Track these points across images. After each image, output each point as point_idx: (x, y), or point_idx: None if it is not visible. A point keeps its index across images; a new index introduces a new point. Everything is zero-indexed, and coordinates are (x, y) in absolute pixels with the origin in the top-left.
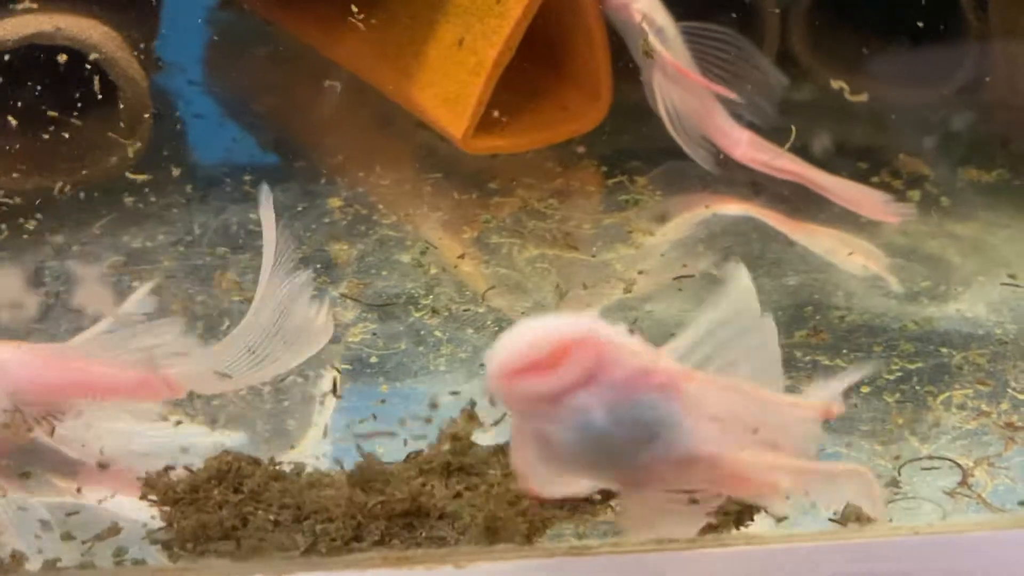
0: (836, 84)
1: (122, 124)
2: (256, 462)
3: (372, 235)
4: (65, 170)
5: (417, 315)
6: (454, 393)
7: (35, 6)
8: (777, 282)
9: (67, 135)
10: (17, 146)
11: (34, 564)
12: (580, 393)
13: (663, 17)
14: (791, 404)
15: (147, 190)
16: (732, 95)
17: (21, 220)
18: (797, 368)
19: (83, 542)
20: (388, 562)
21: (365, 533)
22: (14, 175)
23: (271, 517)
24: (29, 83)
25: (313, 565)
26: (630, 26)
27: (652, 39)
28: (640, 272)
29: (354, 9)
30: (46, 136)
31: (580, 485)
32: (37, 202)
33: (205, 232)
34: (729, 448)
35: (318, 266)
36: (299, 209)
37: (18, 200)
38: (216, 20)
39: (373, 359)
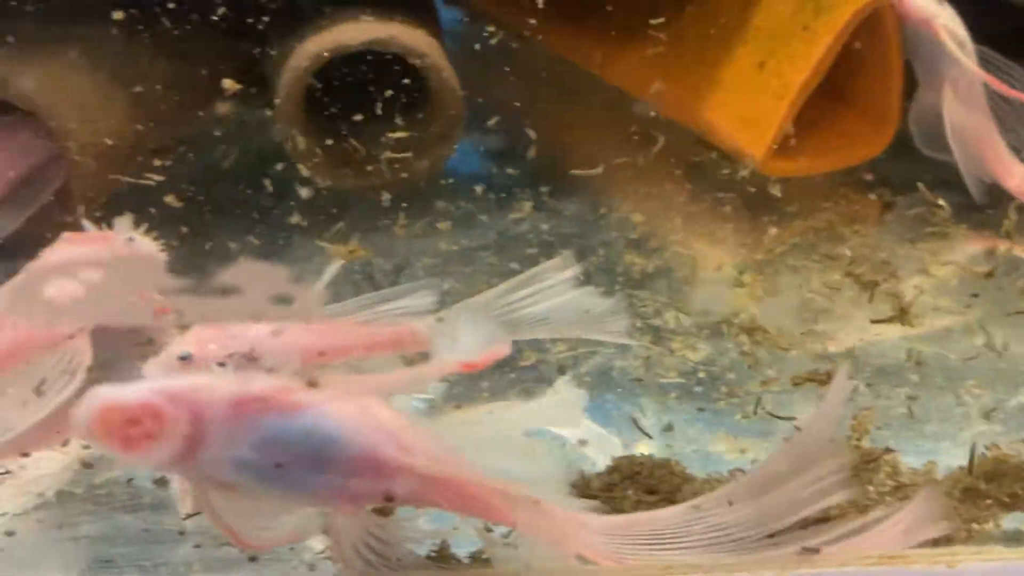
0: None
1: (435, 129)
2: (665, 465)
3: (663, 252)
4: (377, 173)
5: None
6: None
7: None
8: None
9: (381, 139)
10: (338, 148)
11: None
12: (202, 446)
13: (963, 33)
14: (423, 374)
15: (452, 194)
16: None
17: (330, 218)
18: None
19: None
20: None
21: None
22: (334, 175)
23: None
24: (348, 87)
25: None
26: (928, 42)
27: (958, 53)
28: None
29: (628, 27)
30: (360, 139)
31: (284, 525)
32: (350, 202)
33: (503, 238)
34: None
35: (619, 276)
36: (588, 219)
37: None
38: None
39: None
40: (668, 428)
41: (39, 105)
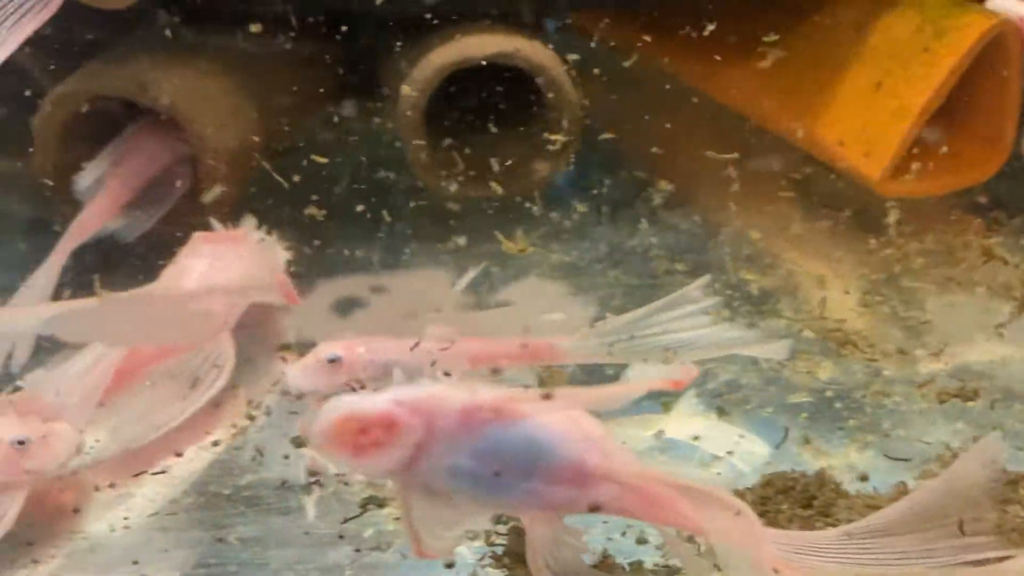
0: None
1: (552, 142)
2: (820, 479)
3: (778, 269)
4: (496, 182)
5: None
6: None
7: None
8: None
9: (500, 150)
10: (459, 157)
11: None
12: (427, 454)
13: None
14: (628, 391)
15: (563, 207)
16: None
17: (454, 225)
18: None
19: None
20: None
21: None
22: (456, 184)
23: None
24: (470, 99)
25: None
26: None
27: None
28: None
29: (736, 43)
30: (482, 149)
31: (458, 537)
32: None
33: (615, 252)
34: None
35: (734, 293)
36: (700, 235)
37: (455, 207)
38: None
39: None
40: (806, 441)
41: (178, 110)
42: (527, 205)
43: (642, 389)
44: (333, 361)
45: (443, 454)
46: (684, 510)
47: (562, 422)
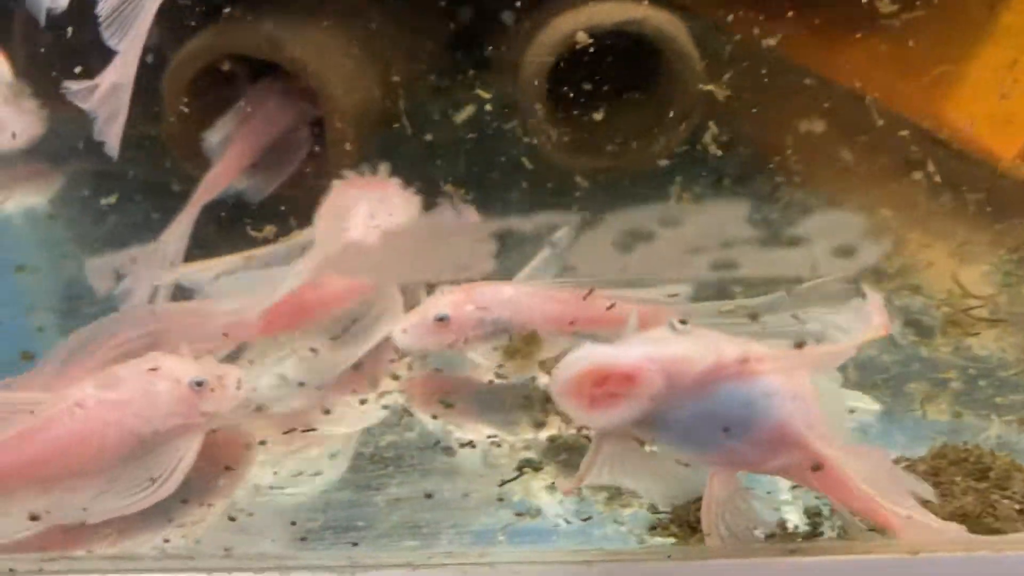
0: None
1: (671, 114)
2: (993, 452)
3: (908, 247)
4: (610, 154)
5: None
6: None
7: None
8: None
9: (617, 122)
10: (578, 128)
11: None
12: (658, 408)
13: None
14: (850, 346)
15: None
16: None
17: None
18: None
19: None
20: None
21: None
22: (568, 154)
23: (1016, 507)
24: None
25: None
26: None
27: None
28: None
29: (854, 20)
30: (599, 121)
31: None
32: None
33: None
34: (812, 428)
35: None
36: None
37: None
38: None
39: None
40: (957, 415)
41: (309, 70)
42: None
43: (856, 344)
44: (441, 320)
45: (667, 408)
46: (873, 505)
47: (785, 384)
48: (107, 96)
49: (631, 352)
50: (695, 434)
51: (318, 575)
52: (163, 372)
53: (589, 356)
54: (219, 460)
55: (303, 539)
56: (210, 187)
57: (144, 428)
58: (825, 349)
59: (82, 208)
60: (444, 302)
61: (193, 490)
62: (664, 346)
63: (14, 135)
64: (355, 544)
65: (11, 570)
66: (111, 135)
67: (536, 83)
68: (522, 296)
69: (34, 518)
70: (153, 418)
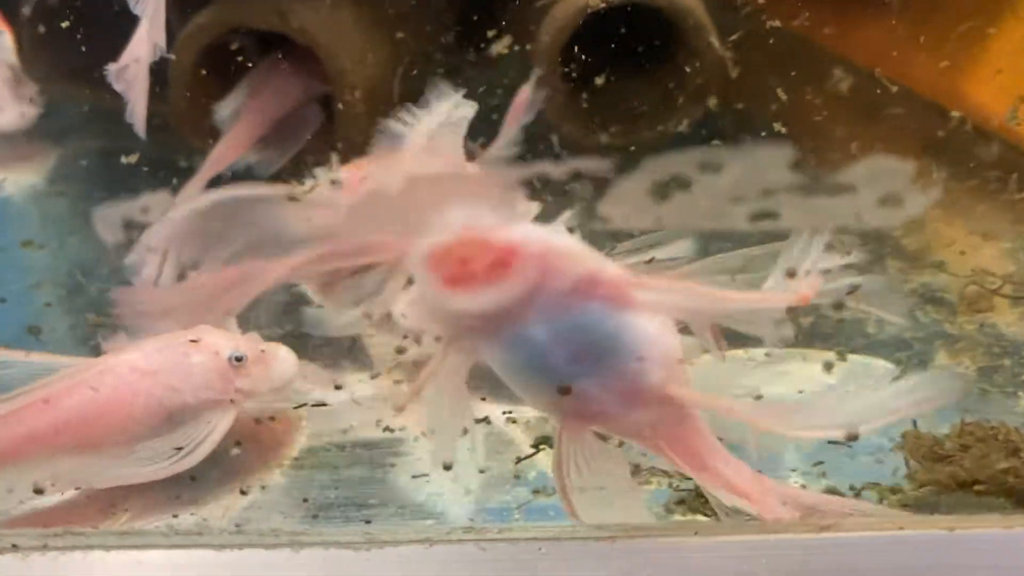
0: None
1: (693, 88)
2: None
3: (927, 226)
4: (627, 130)
5: None
6: None
7: None
8: None
9: (631, 98)
10: (593, 103)
11: None
12: (514, 312)
13: None
14: (756, 299)
15: None
16: None
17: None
18: None
19: None
20: None
21: None
22: (586, 129)
23: None
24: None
25: None
26: None
27: None
28: None
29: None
30: (613, 96)
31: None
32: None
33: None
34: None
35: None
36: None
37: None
38: None
39: None
40: (983, 392)
41: (318, 42)
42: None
43: (777, 302)
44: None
45: (526, 318)
46: (721, 473)
47: (657, 328)
48: (131, 73)
49: (513, 230)
50: (546, 358)
51: (332, 551)
52: (203, 344)
53: (463, 223)
54: (266, 451)
55: (315, 516)
56: (217, 161)
57: (173, 399)
58: (722, 293)
59: (85, 184)
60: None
61: (234, 476)
62: (549, 234)
63: (23, 114)
64: (368, 521)
65: (14, 545)
66: (137, 114)
67: (549, 56)
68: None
69: (38, 491)
70: (184, 390)
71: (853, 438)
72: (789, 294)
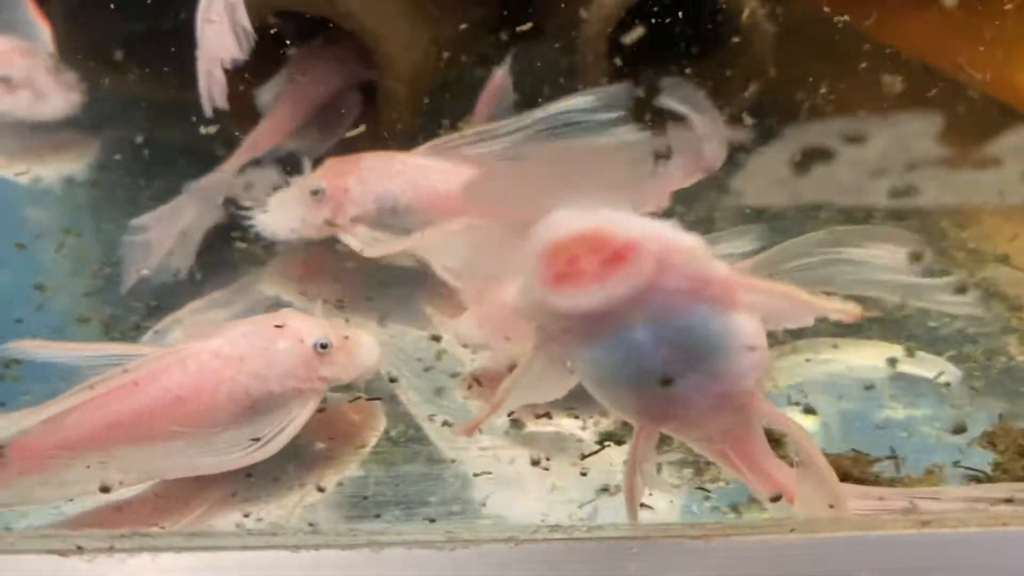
0: None
1: (742, 71)
2: None
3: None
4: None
5: None
6: None
7: None
8: None
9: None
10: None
11: None
12: (631, 305)
13: None
14: (829, 308)
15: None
16: None
17: None
18: None
19: None
20: None
21: None
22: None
23: None
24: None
25: None
26: None
27: None
28: None
29: None
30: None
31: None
32: None
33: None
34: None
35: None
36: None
37: None
38: None
39: None
40: None
41: (365, 27)
42: None
43: (840, 313)
44: (316, 193)
45: (633, 317)
46: (774, 476)
47: (757, 331)
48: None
49: (631, 224)
50: (644, 359)
51: (415, 551)
52: (288, 330)
53: (584, 218)
54: (350, 438)
55: (377, 516)
56: (253, 146)
57: (258, 387)
58: (809, 298)
59: (123, 174)
60: (318, 173)
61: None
62: (666, 230)
63: (67, 102)
64: (432, 520)
65: (79, 547)
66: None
67: (596, 42)
68: (417, 168)
69: (104, 489)
70: (269, 378)
71: None
72: (851, 306)
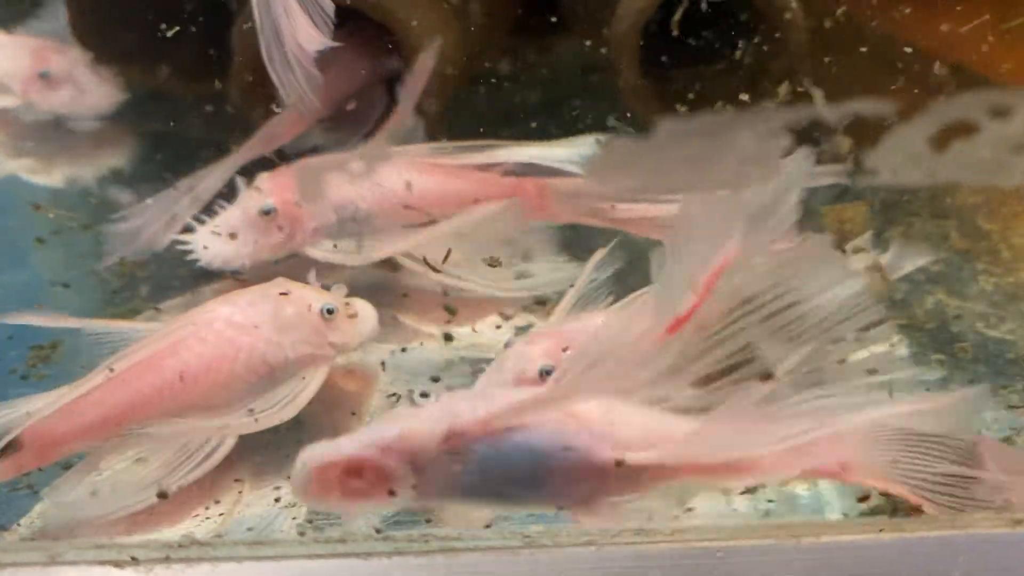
0: None
1: (771, 68)
2: None
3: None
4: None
5: None
6: None
7: None
8: None
9: (711, 83)
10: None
11: None
12: (424, 488)
13: None
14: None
15: None
16: None
17: None
18: None
19: None
20: None
21: None
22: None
23: None
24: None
25: None
26: None
27: None
28: None
29: None
30: (693, 81)
31: None
32: None
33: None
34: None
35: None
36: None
37: None
38: None
39: None
40: None
41: (395, 18)
42: None
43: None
44: (267, 213)
45: (444, 482)
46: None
47: (559, 422)
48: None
49: (351, 442)
50: (500, 492)
51: (491, 556)
52: (294, 297)
53: (313, 455)
54: (344, 404)
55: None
56: (269, 138)
57: (275, 354)
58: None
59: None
60: (267, 188)
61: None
62: (388, 430)
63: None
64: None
65: (133, 559)
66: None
67: (629, 38)
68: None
69: (162, 495)
70: (284, 344)
71: None
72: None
